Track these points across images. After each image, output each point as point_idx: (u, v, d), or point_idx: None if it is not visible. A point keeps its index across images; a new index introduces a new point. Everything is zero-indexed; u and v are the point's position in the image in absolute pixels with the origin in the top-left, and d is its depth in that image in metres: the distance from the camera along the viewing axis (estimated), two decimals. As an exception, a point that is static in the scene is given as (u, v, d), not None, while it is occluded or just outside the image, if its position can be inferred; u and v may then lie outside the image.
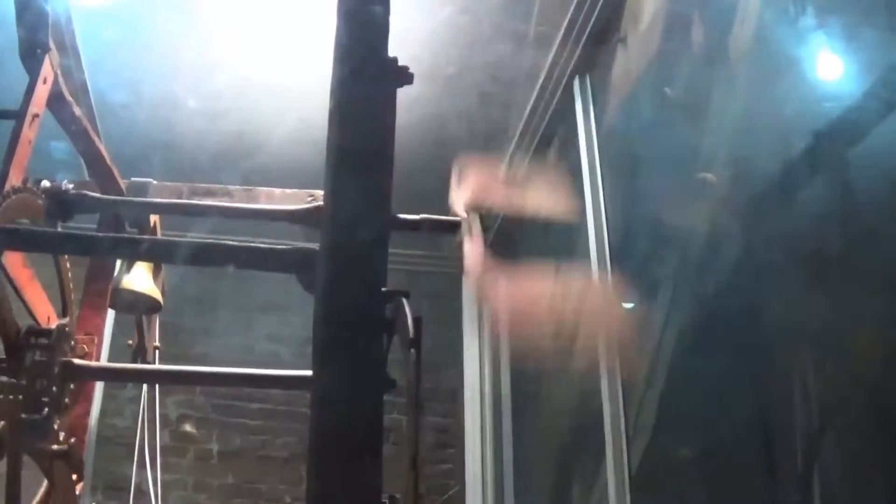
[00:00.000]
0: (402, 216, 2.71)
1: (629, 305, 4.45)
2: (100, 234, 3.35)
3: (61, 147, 4.09)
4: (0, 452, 2.11)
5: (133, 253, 3.10)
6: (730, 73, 3.89)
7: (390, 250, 2.16)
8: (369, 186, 2.12)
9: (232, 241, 2.57)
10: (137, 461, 5.46)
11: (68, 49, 3.79)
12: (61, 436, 2.43)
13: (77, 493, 2.75)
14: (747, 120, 3.72)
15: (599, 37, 5.00)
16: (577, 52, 5.15)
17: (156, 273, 4.65)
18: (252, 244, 2.46)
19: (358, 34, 2.23)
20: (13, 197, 3.07)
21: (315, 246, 2.17)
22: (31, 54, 3.41)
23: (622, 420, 4.10)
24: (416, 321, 2.03)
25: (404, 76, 2.34)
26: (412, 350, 1.98)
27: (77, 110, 3.82)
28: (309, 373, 2.01)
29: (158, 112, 6.48)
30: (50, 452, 2.39)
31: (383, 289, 2.05)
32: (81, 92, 3.99)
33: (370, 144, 2.15)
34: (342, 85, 2.17)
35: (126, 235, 3.47)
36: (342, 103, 2.14)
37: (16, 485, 2.18)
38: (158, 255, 2.89)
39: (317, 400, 1.94)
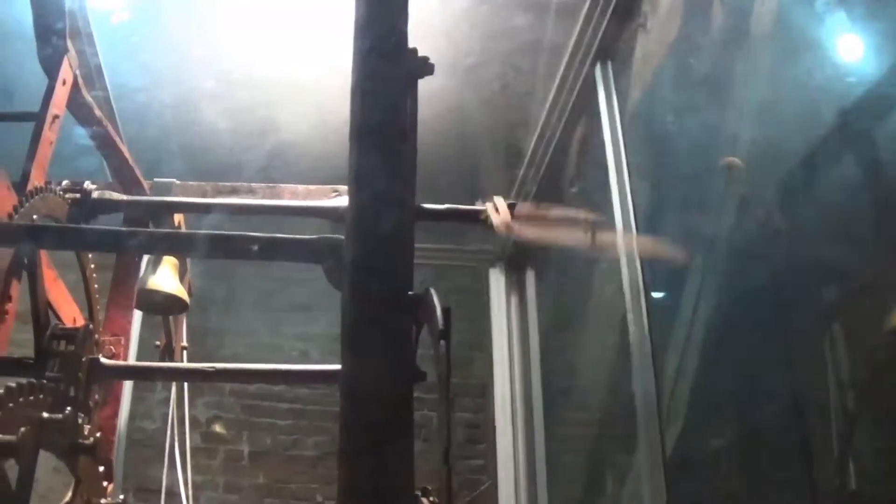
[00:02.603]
0: (427, 206, 2.68)
1: (659, 294, 4.43)
2: (122, 229, 3.34)
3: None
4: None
5: (157, 246, 3.09)
6: (752, 54, 3.85)
7: (416, 245, 2.13)
8: (393, 164, 2.10)
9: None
10: (168, 463, 5.46)
11: (81, 33, 3.78)
12: (87, 432, 2.41)
13: (107, 495, 2.73)
14: (772, 100, 3.68)
15: (619, 22, 4.95)
16: (598, 38, 5.11)
17: (181, 273, 4.64)
18: (277, 235, 2.43)
19: (377, 10, 2.21)
20: (36, 197, 3.06)
21: (342, 236, 2.15)
22: (50, 56, 3.40)
23: (656, 407, 4.07)
24: (446, 311, 1.99)
25: (425, 67, 2.32)
26: (442, 341, 1.95)
27: (98, 112, 3.81)
28: (338, 367, 1.98)
29: (178, 111, 6.47)
30: (75, 447, 2.37)
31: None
32: (97, 76, 3.99)
33: (393, 119, 2.13)
34: (363, 61, 2.15)
35: (149, 230, 3.45)
36: (363, 79, 2.12)
37: (28, 482, 2.16)
38: (182, 247, 2.87)
39: (346, 393, 1.92)
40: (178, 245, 2.93)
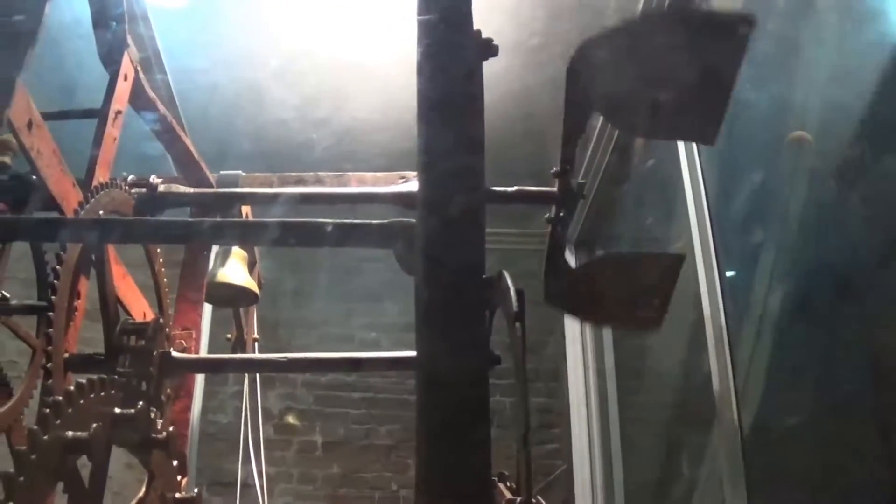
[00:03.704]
0: (496, 189, 2.65)
1: (731, 273, 4.37)
2: (191, 220, 3.33)
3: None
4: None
5: (228, 234, 3.06)
6: (818, 25, 3.78)
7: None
8: (465, 139, 2.09)
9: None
10: (242, 456, 5.47)
11: (138, 17, 3.78)
12: (159, 426, 2.41)
13: (181, 489, 2.72)
14: (840, 72, 3.61)
15: (682, -2, 4.91)
16: (662, 14, 5.06)
17: (251, 265, 4.64)
18: (348, 220, 2.40)
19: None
20: (101, 193, 3.06)
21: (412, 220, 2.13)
22: (110, 51, 3.40)
23: (732, 388, 4.01)
24: (519, 294, 1.98)
25: (489, 49, 2.29)
26: (517, 324, 1.92)
27: (161, 107, 3.81)
28: (413, 353, 1.96)
29: (241, 100, 6.48)
30: (147, 442, 2.37)
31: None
32: (155, 61, 3.99)
33: (463, 91, 2.12)
34: (429, 34, 2.14)
35: (219, 219, 3.43)
36: (431, 52, 2.10)
37: (101, 478, 2.16)
38: (255, 235, 2.85)
39: (422, 378, 1.89)
40: (250, 233, 2.91)
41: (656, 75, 2.15)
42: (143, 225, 2.95)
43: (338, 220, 2.35)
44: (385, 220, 2.34)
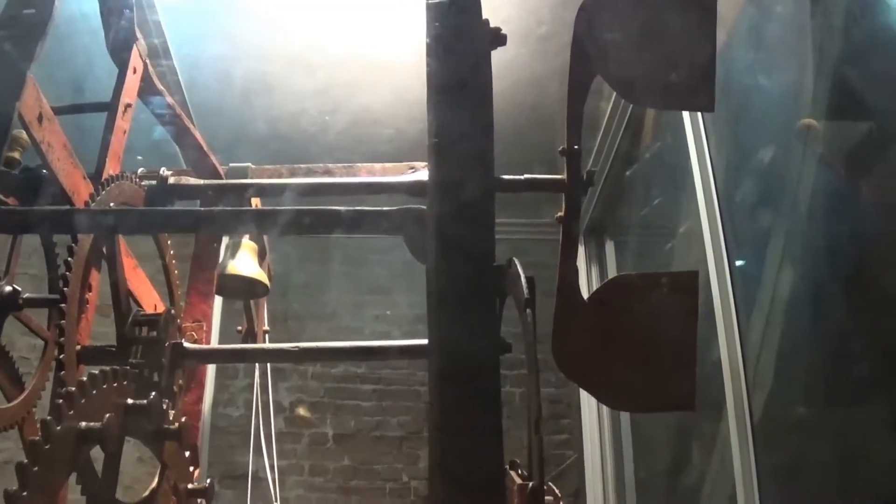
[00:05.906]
0: (505, 177, 2.65)
1: (741, 261, 4.36)
2: (208, 209, 3.31)
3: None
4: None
5: (246, 223, 3.06)
6: (827, 11, 3.77)
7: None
8: (476, 123, 2.10)
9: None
10: (253, 448, 5.48)
11: (144, 6, 3.79)
12: (171, 417, 2.42)
13: (193, 479, 2.73)
14: (848, 58, 3.60)
15: (691, -15, 4.89)
16: (670, 2, 5.05)
17: (261, 257, 4.65)
18: (358, 208, 2.40)
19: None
20: (111, 185, 3.06)
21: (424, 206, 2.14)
22: (119, 45, 3.40)
23: (742, 374, 4.01)
24: (530, 281, 1.99)
25: (498, 38, 2.30)
26: (528, 310, 1.92)
27: (170, 99, 3.81)
28: (424, 342, 1.97)
29: (253, 96, 6.49)
30: (160, 432, 2.38)
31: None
32: (162, 48, 3.99)
33: (470, 74, 2.15)
34: (437, 16, 2.17)
35: (231, 208, 3.42)
36: (439, 35, 2.12)
37: (114, 469, 2.17)
38: (269, 224, 2.84)
39: (435, 367, 1.90)
40: (265, 220, 2.90)
41: (653, 41, 2.20)
42: (157, 214, 2.95)
43: (351, 209, 2.36)
44: (399, 208, 2.34)
